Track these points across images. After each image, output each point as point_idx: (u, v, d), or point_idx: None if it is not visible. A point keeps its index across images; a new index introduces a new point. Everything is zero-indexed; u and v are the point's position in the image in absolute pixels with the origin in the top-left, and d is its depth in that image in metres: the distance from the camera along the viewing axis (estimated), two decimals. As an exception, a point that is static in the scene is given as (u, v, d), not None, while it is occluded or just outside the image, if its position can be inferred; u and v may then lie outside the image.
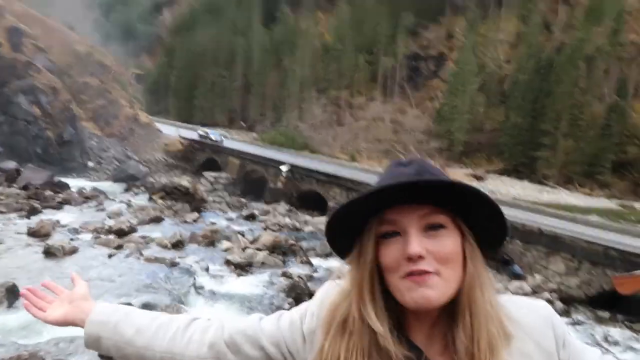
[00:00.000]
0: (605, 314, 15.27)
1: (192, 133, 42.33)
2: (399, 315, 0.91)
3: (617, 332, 14.06)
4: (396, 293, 0.88)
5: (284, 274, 15.08)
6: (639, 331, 14.00)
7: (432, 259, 0.86)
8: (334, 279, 1.03)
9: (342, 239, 0.94)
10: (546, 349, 0.90)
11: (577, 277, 16.80)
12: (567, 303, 15.75)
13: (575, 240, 17.32)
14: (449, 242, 0.88)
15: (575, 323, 14.31)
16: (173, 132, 41.28)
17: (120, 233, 17.24)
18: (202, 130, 42.04)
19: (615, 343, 13.09)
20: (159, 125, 41.63)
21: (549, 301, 14.57)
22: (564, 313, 14.85)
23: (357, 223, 0.91)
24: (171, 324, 1.08)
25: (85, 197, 23.65)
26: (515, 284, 16.66)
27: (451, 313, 0.89)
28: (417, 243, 0.85)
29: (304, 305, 1.04)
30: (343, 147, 50.06)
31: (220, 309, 12.42)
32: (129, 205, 23.27)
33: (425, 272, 0.85)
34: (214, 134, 41.09)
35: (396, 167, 0.93)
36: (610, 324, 14.66)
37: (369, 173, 33.62)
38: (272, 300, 13.29)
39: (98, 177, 31.74)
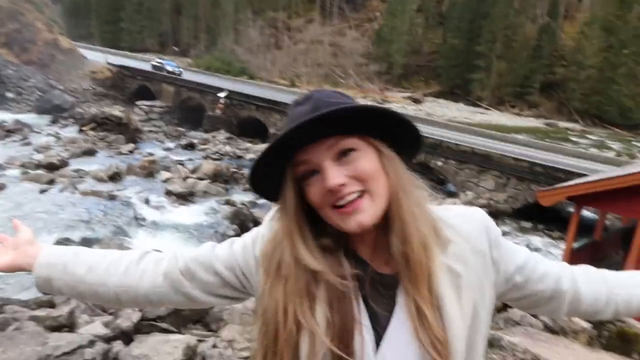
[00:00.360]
0: (528, 225, 16.62)
1: (121, 59, 39.67)
2: (344, 235, 0.92)
3: (538, 240, 15.41)
4: (333, 223, 0.90)
5: (227, 202, 15.05)
6: (557, 238, 15.37)
7: (353, 182, 0.87)
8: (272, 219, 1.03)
9: (271, 190, 0.95)
10: (480, 251, 0.94)
11: (505, 192, 17.91)
12: (495, 216, 16.15)
13: (504, 158, 18.31)
14: (364, 161, 0.88)
15: (502, 234, 15.49)
16: (100, 58, 38.47)
17: (51, 167, 16.53)
18: (156, 61, 38.63)
19: (537, 249, 14.04)
20: (83, 52, 38.48)
21: None
22: None
23: (277, 171, 0.92)
24: (123, 258, 1.08)
25: (7, 131, 22.07)
26: (449, 201, 17.07)
27: (385, 221, 0.91)
28: (333, 174, 0.86)
29: (255, 230, 1.04)
30: (282, 71, 48.88)
31: (164, 239, 12.33)
32: (57, 138, 22.02)
33: (352, 202, 0.86)
34: (171, 64, 37.80)
35: (294, 107, 0.92)
36: (532, 233, 15.98)
37: (309, 98, 33.29)
38: (217, 228, 13.31)
39: (20, 108, 29.40)
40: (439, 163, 19.72)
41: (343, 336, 0.86)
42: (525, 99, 41.26)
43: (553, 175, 16.70)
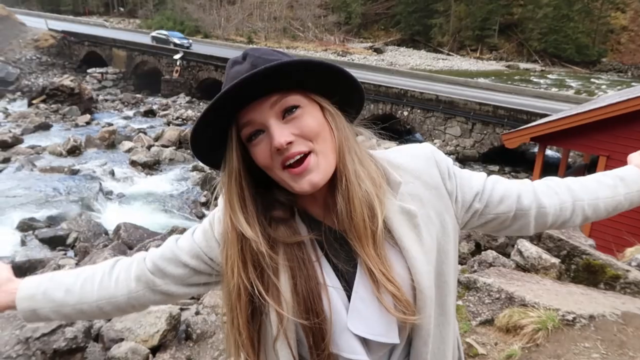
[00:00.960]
0: (495, 168, 17.01)
1: (64, 24, 37.33)
2: (294, 196, 0.91)
3: None
4: (284, 185, 0.88)
5: (195, 168, 14.80)
6: (523, 179, 15.89)
7: (300, 140, 0.84)
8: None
9: (214, 154, 0.92)
10: (433, 185, 0.93)
11: (471, 137, 18.19)
12: (463, 162, 17.20)
13: (468, 104, 18.37)
14: (309, 118, 0.85)
15: None
16: (40, 24, 36.12)
17: (4, 145, 15.85)
18: (157, 33, 33.52)
19: None
20: (21, 18, 36.00)
21: None
22: None
23: (220, 136, 0.89)
24: (96, 273, 1.07)
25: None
26: None
27: (332, 179, 0.89)
28: (279, 132, 0.83)
29: (211, 213, 1.02)
30: (238, 28, 47.37)
31: (135, 211, 12.06)
32: (6, 113, 21.29)
33: (301, 160, 0.84)
34: (177, 36, 32.78)
35: (232, 67, 0.89)
36: (499, 176, 16.57)
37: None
38: (188, 195, 13.14)
39: None
40: (405, 113, 19.80)
41: (311, 303, 0.85)
42: (485, 42, 41.30)
43: (516, 117, 16.94)
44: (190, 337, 3.97)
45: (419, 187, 0.92)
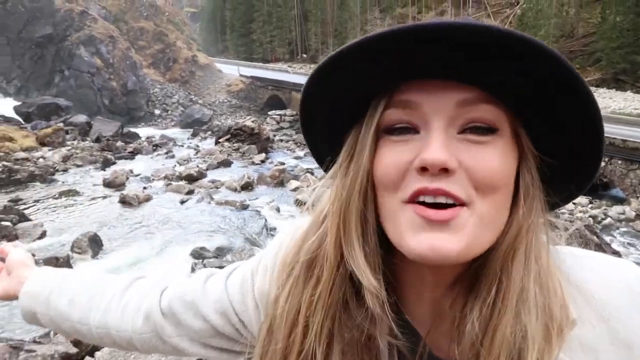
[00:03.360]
0: None
1: (253, 70, 41.03)
2: (389, 266, 0.58)
3: None
4: (389, 225, 0.54)
5: None
6: None
7: (463, 180, 0.51)
8: (301, 218, 0.67)
9: (327, 132, 0.61)
10: (625, 342, 0.53)
11: None
12: None
13: None
14: (499, 157, 0.52)
15: None
16: (234, 71, 40.49)
17: (190, 179, 17.42)
18: None
19: None
20: (219, 66, 40.67)
21: None
22: None
23: (350, 100, 0.56)
24: (107, 288, 0.85)
25: (155, 145, 24.28)
26: (616, 209, 15.02)
27: (474, 278, 0.54)
28: (440, 145, 0.50)
29: (258, 256, 0.74)
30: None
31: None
32: (197, 150, 23.48)
33: (444, 207, 0.51)
34: None
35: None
36: None
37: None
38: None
39: (165, 124, 32.06)
40: (602, 163, 16.61)
41: None
42: None
43: None
44: None
45: (602, 337, 0.53)
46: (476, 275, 0.53)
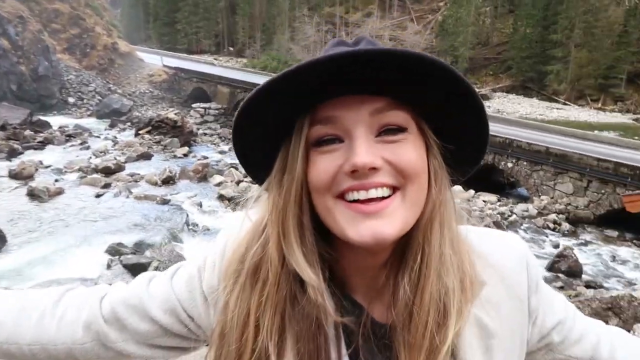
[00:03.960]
0: (614, 234, 14.69)
1: (177, 61, 39.70)
2: (328, 253, 0.66)
3: (625, 251, 13.56)
4: (329, 221, 0.63)
5: None
6: None
7: (389, 172, 0.61)
8: (243, 214, 0.73)
9: (259, 150, 0.68)
10: (518, 295, 0.70)
11: (585, 196, 16.09)
12: (574, 224, 15.31)
13: (584, 159, 16.39)
14: (412, 150, 0.62)
15: (582, 244, 13.99)
16: (157, 61, 38.88)
17: (107, 171, 16.72)
18: None
19: (624, 262, 12.79)
20: (141, 55, 38.89)
21: (556, 223, 14.88)
22: (571, 234, 14.63)
23: (278, 123, 0.64)
24: (38, 303, 0.80)
25: (68, 136, 22.96)
26: (521, 206, 16.13)
27: (401, 251, 0.65)
28: (366, 149, 0.59)
29: (203, 255, 0.78)
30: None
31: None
32: (115, 142, 22.47)
33: (376, 200, 0.60)
34: None
35: (336, 45, 0.65)
36: (618, 243, 14.17)
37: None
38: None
39: (80, 113, 30.20)
40: (509, 164, 18.09)
41: None
42: (609, 91, 37.48)
43: None
44: None
45: (501, 292, 0.69)
46: (403, 248, 0.64)
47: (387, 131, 0.61)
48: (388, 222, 0.60)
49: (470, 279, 0.66)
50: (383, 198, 0.60)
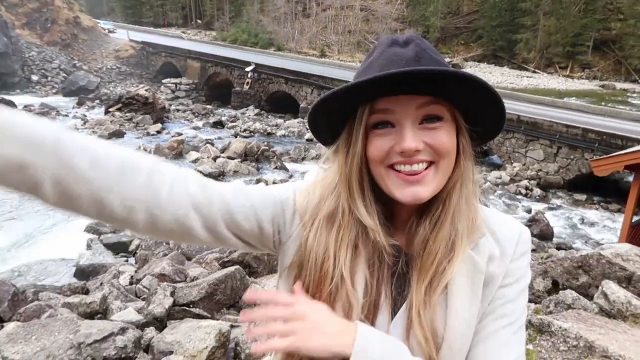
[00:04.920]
0: (582, 197, 15.39)
1: (144, 36, 38.49)
2: (386, 203, 0.88)
3: (593, 213, 14.27)
4: (382, 184, 0.85)
5: (258, 181, 14.37)
6: (614, 211, 14.25)
7: (427, 151, 0.82)
8: (320, 166, 0.96)
9: (327, 125, 0.88)
10: (509, 255, 0.89)
11: (555, 162, 16.67)
12: (545, 189, 15.82)
13: (554, 126, 16.87)
14: (446, 135, 0.82)
15: (553, 208, 14.52)
16: (123, 35, 37.57)
17: None
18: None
19: (592, 224, 13.42)
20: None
21: (528, 189, 15.39)
22: (542, 199, 15.13)
23: (344, 110, 0.84)
24: (141, 161, 0.79)
25: (35, 115, 21.92)
26: (494, 174, 16.56)
27: (427, 205, 0.86)
28: (412, 136, 0.80)
29: (290, 182, 0.96)
30: (311, 41, 47.20)
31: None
32: (84, 120, 21.91)
33: (417, 171, 0.81)
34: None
35: (391, 46, 0.83)
36: (587, 207, 14.87)
37: (341, 68, 31.63)
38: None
39: (45, 91, 29.23)
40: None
41: (373, 306, 0.85)
42: (576, 59, 38.16)
43: (609, 142, 15.38)
44: (238, 357, 3.81)
45: (496, 251, 0.88)
46: (429, 202, 0.85)
47: (428, 120, 0.81)
48: (424, 188, 0.81)
49: (475, 226, 0.87)
50: (421, 170, 0.81)
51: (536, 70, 38.93)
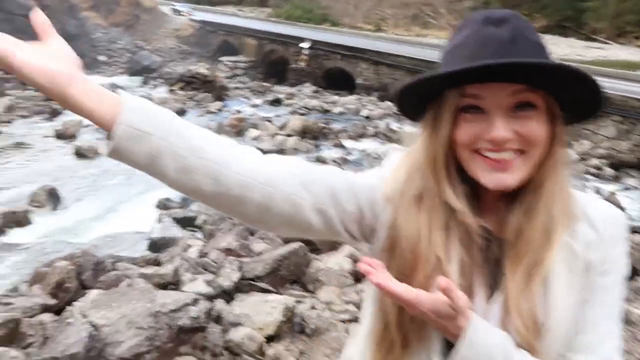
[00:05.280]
0: None
1: (202, 14, 39.25)
2: (473, 186, 0.86)
3: None
4: (467, 167, 0.84)
5: (318, 159, 14.37)
6: None
7: (517, 140, 0.79)
8: (403, 147, 0.97)
9: (414, 104, 0.88)
10: (606, 244, 0.86)
11: (629, 140, 15.45)
12: (617, 168, 14.69)
13: (627, 101, 15.72)
14: (539, 125, 0.80)
15: (626, 188, 13.55)
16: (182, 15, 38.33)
17: None
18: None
19: None
20: (164, 9, 38.49)
21: (598, 168, 14.39)
22: (614, 179, 14.08)
23: (433, 91, 0.83)
24: (246, 147, 0.86)
25: None
26: None
27: (516, 191, 0.84)
28: (503, 125, 0.78)
29: (377, 170, 0.97)
30: (366, 16, 46.35)
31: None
32: (149, 99, 21.47)
33: (505, 159, 0.80)
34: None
35: (484, 25, 0.79)
36: None
37: (397, 43, 30.98)
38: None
39: (112, 71, 30.39)
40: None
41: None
42: (653, 27, 35.31)
43: None
44: (304, 331, 3.95)
45: (592, 237, 0.85)
46: (520, 189, 0.83)
47: (520, 107, 0.79)
48: (510, 176, 0.80)
49: (570, 212, 0.85)
50: (509, 158, 0.79)
51: (607, 41, 36.49)
